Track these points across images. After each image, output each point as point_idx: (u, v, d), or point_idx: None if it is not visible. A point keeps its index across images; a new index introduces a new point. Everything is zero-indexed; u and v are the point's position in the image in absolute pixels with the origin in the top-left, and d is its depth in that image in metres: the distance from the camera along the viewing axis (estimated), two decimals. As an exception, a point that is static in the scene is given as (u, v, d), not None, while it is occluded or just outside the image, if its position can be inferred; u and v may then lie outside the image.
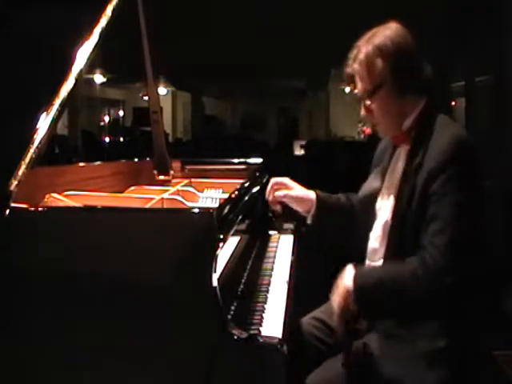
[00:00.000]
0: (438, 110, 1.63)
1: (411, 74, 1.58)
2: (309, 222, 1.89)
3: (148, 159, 2.83)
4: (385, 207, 1.67)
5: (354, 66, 1.61)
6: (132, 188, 2.45)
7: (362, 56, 1.58)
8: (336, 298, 1.54)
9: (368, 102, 1.62)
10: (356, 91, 1.64)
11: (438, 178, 1.47)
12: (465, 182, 1.47)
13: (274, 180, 1.91)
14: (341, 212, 1.90)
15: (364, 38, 1.61)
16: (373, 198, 1.73)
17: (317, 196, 1.88)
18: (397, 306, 1.51)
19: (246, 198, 1.93)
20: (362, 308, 1.51)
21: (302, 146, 9.87)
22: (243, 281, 1.75)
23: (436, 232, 1.46)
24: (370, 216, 1.72)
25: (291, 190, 1.88)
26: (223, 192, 2.60)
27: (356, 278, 1.51)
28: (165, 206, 2.01)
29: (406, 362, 1.50)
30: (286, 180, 1.92)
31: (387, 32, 1.58)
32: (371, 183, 1.79)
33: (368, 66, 1.58)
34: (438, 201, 1.47)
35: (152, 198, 2.01)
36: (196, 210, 1.43)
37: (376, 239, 1.69)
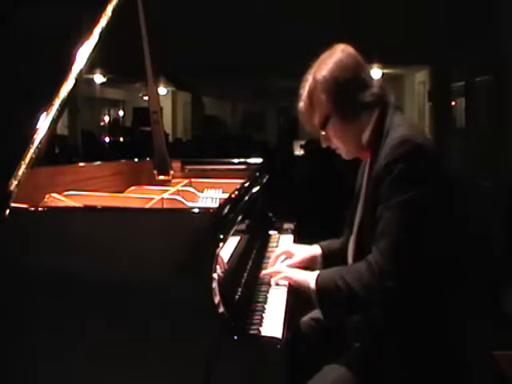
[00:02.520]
0: (397, 109, 1.64)
1: (356, 99, 1.59)
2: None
3: (148, 159, 2.83)
4: (356, 222, 1.70)
5: (301, 103, 1.66)
6: (132, 188, 2.45)
7: (305, 93, 1.64)
8: (296, 279, 1.65)
9: (323, 132, 1.65)
10: (307, 126, 1.69)
11: (383, 180, 1.48)
12: (408, 182, 1.46)
13: (274, 256, 1.95)
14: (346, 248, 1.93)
15: (310, 70, 1.65)
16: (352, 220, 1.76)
17: (321, 249, 1.92)
18: (352, 307, 1.56)
19: (246, 197, 1.93)
20: (322, 307, 1.56)
21: (301, 146, 9.86)
22: (243, 281, 1.75)
23: (379, 235, 1.48)
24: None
25: (294, 257, 1.90)
26: (223, 192, 2.60)
27: (318, 278, 1.57)
28: (165, 206, 2.01)
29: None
30: (287, 248, 1.96)
31: (328, 62, 1.61)
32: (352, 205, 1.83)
33: (312, 103, 1.63)
34: (383, 204, 1.48)
35: (152, 198, 2.01)
36: (196, 210, 1.43)
37: (350, 255, 1.72)
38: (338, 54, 1.63)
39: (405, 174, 1.46)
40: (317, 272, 1.62)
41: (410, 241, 1.46)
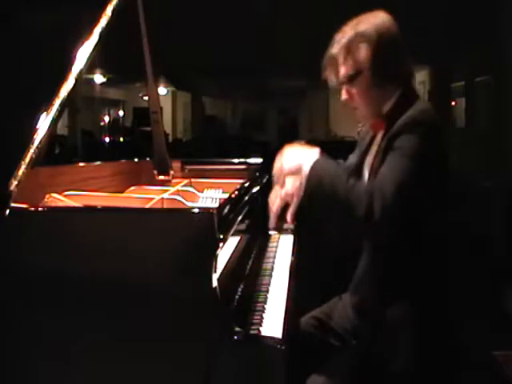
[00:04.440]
0: (419, 98, 1.63)
1: (392, 64, 1.58)
2: None
3: (148, 159, 2.83)
4: None
5: (336, 49, 1.61)
6: (132, 188, 2.45)
7: (344, 40, 1.59)
8: (292, 181, 1.54)
9: (348, 87, 1.63)
10: (329, 75, 1.65)
11: (399, 137, 1.48)
12: (422, 141, 1.45)
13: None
14: None
15: (350, 23, 1.62)
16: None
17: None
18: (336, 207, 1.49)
19: (246, 198, 1.93)
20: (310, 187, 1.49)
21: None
22: (243, 281, 1.75)
23: (384, 172, 1.45)
24: None
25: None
26: (223, 192, 2.60)
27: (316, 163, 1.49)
28: (165, 206, 2.01)
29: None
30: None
31: (373, 20, 1.59)
32: (349, 160, 1.83)
33: (350, 51, 1.58)
34: (392, 151, 1.47)
35: (152, 198, 2.01)
36: (196, 210, 1.43)
37: None
38: (383, 15, 1.61)
39: (423, 135, 1.46)
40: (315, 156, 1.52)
41: (411, 186, 1.42)
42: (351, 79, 1.60)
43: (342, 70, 1.61)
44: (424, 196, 1.47)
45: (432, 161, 1.48)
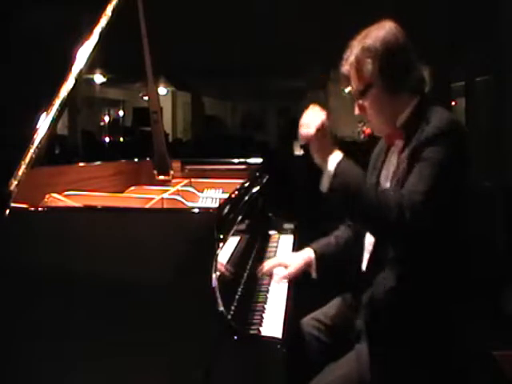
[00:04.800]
0: (434, 104, 1.63)
1: (401, 74, 1.59)
2: (314, 277, 1.92)
3: (148, 159, 2.83)
4: None
5: (346, 66, 1.65)
6: (132, 188, 2.46)
7: (352, 57, 1.63)
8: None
9: (361, 101, 1.65)
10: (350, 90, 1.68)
11: (426, 148, 1.48)
12: (451, 152, 1.47)
13: (267, 266, 1.93)
14: (342, 251, 1.92)
15: (357, 38, 1.65)
16: None
17: (315, 254, 1.90)
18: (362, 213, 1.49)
19: (246, 198, 1.93)
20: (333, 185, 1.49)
21: (301, 146, 9.88)
22: (243, 281, 1.75)
23: (414, 182, 1.46)
24: None
25: (288, 268, 1.88)
26: (223, 192, 2.60)
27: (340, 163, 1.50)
28: (165, 206, 2.01)
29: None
30: (279, 260, 1.95)
31: (379, 33, 1.61)
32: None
33: (358, 67, 1.62)
34: (420, 162, 1.48)
35: (152, 198, 2.01)
36: (196, 210, 1.43)
37: (370, 244, 1.68)
38: (389, 26, 1.63)
39: (451, 146, 1.47)
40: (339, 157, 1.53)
41: (441, 195, 1.45)
42: (363, 93, 1.63)
43: (354, 86, 1.65)
44: (452, 205, 1.49)
45: (460, 171, 1.51)
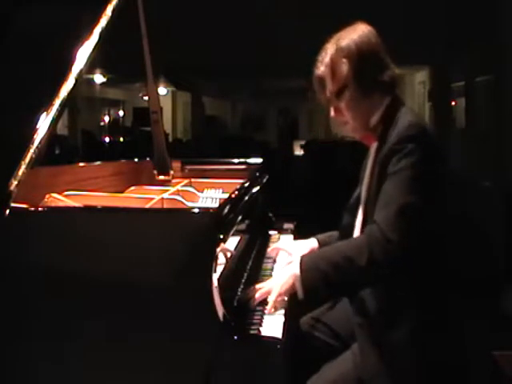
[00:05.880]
0: (404, 104, 1.66)
1: (374, 75, 1.62)
2: None
3: (148, 159, 2.83)
4: (360, 207, 1.71)
5: (321, 68, 1.67)
6: (132, 188, 2.45)
7: (327, 58, 1.65)
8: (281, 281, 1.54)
9: (336, 103, 1.66)
10: (320, 96, 1.71)
11: (393, 157, 1.50)
12: (418, 159, 1.48)
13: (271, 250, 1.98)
14: None
15: (331, 40, 1.67)
16: (355, 205, 1.76)
17: (318, 243, 1.92)
18: (346, 281, 1.51)
19: (246, 197, 1.93)
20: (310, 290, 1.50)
21: (301, 146, 9.86)
22: (243, 281, 1.75)
23: (383, 205, 1.48)
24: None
25: (292, 256, 1.88)
26: (223, 192, 2.60)
27: (302, 263, 1.52)
28: (165, 206, 2.01)
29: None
30: (283, 247, 1.97)
31: (352, 35, 1.63)
32: (355, 193, 1.83)
33: (333, 68, 1.63)
34: (389, 178, 1.50)
35: (152, 198, 2.01)
36: (196, 210, 1.43)
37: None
38: (362, 28, 1.65)
39: (413, 152, 1.48)
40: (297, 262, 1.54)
41: (415, 211, 1.45)
42: (338, 95, 1.64)
43: (329, 87, 1.66)
44: (432, 212, 1.50)
45: (433, 174, 1.52)
